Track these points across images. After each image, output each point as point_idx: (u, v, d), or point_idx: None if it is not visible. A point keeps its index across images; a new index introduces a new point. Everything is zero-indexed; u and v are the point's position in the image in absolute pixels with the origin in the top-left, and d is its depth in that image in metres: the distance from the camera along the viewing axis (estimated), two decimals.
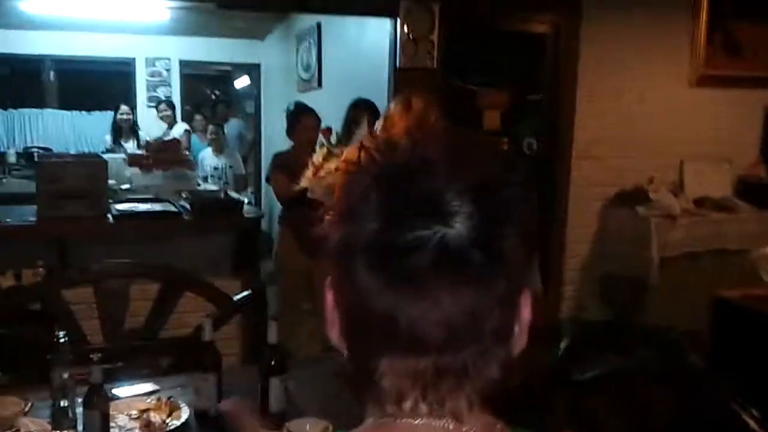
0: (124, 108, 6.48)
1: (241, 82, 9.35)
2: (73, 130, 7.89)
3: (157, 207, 3.89)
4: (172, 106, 6.93)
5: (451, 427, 0.64)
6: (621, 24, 4.78)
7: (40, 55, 7.53)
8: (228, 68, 9.24)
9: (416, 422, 0.64)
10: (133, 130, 6.24)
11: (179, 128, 6.73)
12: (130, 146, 6.01)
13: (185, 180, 4.91)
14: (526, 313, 0.69)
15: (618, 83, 4.85)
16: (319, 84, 5.87)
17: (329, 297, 0.69)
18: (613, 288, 4.86)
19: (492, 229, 0.62)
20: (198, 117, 8.10)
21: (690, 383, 1.98)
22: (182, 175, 4.94)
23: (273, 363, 1.86)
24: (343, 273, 0.65)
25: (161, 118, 6.65)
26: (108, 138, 6.42)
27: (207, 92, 10.43)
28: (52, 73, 7.80)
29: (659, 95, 5.01)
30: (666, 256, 4.60)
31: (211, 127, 7.03)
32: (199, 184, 5.32)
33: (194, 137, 7.50)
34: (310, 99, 5.29)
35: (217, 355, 1.91)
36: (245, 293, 2.90)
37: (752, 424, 1.77)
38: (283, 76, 7.24)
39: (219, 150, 6.70)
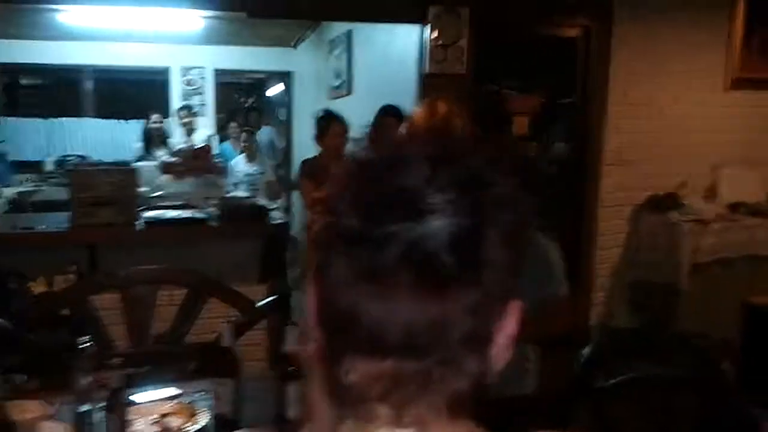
0: (155, 116, 6.53)
1: (274, 89, 9.42)
2: (110, 139, 8.03)
3: (185, 214, 3.96)
4: (192, 113, 6.92)
5: None
6: (654, 27, 4.72)
7: (78, 65, 7.67)
8: (261, 76, 9.32)
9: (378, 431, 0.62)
10: (164, 138, 6.30)
11: (201, 134, 6.76)
12: (161, 154, 6.09)
13: (216, 187, 4.99)
14: (511, 325, 0.65)
15: (651, 87, 4.79)
16: (349, 91, 5.91)
17: (310, 289, 0.68)
18: (644, 294, 4.79)
19: (471, 231, 0.59)
20: (233, 125, 8.18)
21: (714, 392, 1.95)
22: (213, 182, 5.02)
23: (290, 369, 1.87)
24: (319, 265, 0.64)
25: (182, 124, 6.66)
26: (139, 146, 6.51)
27: (240, 100, 10.54)
28: (90, 83, 7.94)
29: (693, 99, 4.94)
30: (698, 262, 4.53)
31: (243, 135, 7.09)
32: (229, 191, 5.40)
33: (227, 144, 7.59)
34: (341, 106, 5.33)
35: (236, 360, 1.93)
36: (269, 299, 2.92)
37: None
38: (314, 83, 7.29)
39: (251, 157, 6.75)
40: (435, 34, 4.11)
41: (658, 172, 4.86)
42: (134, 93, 8.39)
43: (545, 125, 4.70)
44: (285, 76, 8.38)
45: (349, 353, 0.62)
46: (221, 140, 7.70)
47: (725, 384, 1.93)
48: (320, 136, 4.11)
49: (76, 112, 8.06)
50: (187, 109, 6.78)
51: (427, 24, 4.14)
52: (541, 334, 2.68)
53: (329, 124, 4.10)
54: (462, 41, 4.13)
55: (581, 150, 4.70)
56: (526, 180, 0.66)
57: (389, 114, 3.90)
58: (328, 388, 0.66)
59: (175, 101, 7.66)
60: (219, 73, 8.02)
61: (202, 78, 7.84)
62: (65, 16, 6.16)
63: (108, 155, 7.41)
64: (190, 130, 6.56)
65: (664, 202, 4.73)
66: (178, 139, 6.42)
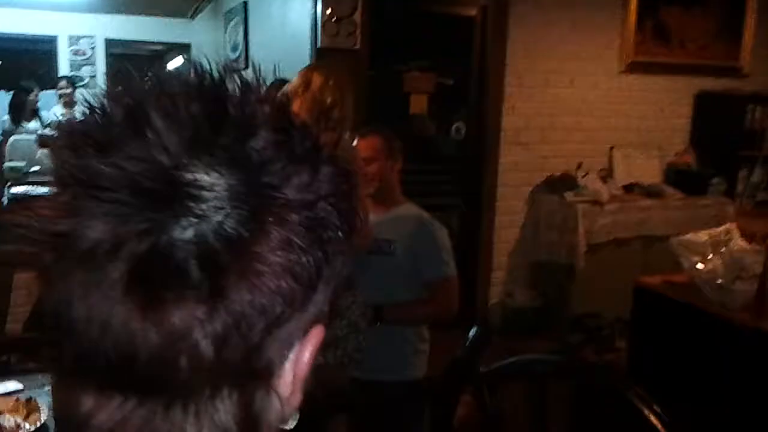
0: (26, 86, 6.05)
1: (175, 63, 9.04)
2: None
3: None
4: (73, 84, 6.46)
5: None
6: (550, 8, 4.70)
7: None
8: (160, 48, 8.91)
9: None
10: (35, 110, 5.87)
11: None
12: (34, 127, 5.67)
13: None
14: (304, 357, 0.51)
15: (548, 68, 4.79)
16: (246, 65, 5.67)
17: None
18: (542, 274, 4.82)
19: (238, 233, 0.44)
20: None
21: (589, 376, 1.90)
22: None
23: None
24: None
25: (59, 96, 6.23)
26: (5, 118, 6.01)
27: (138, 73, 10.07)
28: None
29: (589, 81, 4.97)
30: (593, 243, 4.57)
31: None
32: None
33: None
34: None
35: None
36: None
37: (654, 421, 1.69)
38: (212, 56, 7.00)
39: None
40: (328, 7, 3.94)
41: (555, 153, 4.88)
42: (19, 63, 7.86)
43: (443, 104, 4.62)
44: (183, 49, 8.04)
45: (87, 389, 0.47)
46: None
47: (597, 368, 1.87)
48: None
49: None
50: (67, 80, 6.34)
51: None
52: (430, 316, 2.62)
53: None
54: (356, 15, 3.98)
55: (479, 130, 4.65)
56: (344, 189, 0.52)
57: (278, 89, 3.73)
58: None
59: (64, 72, 7.22)
60: (112, 43, 7.61)
61: (92, 48, 7.42)
62: None
63: None
64: (70, 102, 6.14)
65: (561, 183, 4.75)
66: (59, 111, 6.02)
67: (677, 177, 5.14)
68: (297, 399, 0.53)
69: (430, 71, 4.54)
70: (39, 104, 6.08)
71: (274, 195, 0.46)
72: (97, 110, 0.48)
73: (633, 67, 5.05)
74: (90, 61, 7.42)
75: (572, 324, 4.47)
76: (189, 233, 0.43)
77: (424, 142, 4.61)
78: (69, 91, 6.23)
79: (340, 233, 0.50)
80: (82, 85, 6.85)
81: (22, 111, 5.86)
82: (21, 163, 4.59)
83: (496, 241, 4.81)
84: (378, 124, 3.37)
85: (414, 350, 2.62)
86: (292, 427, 0.54)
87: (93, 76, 7.32)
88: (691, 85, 5.29)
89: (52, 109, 6.19)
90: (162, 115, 0.46)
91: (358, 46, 4.05)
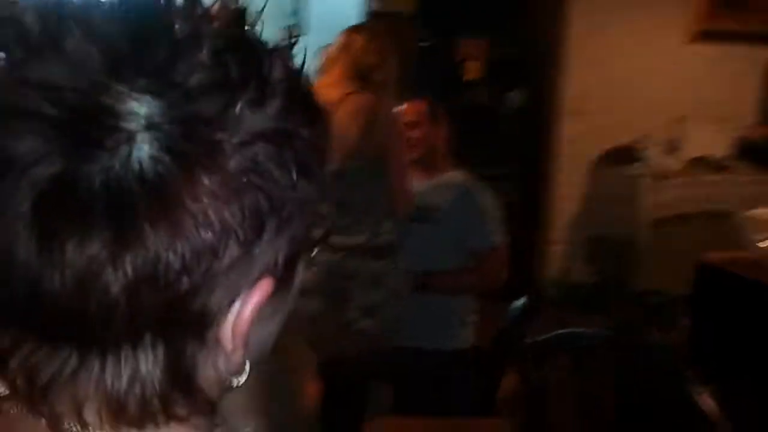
0: None
1: None
2: None
3: None
4: None
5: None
6: None
7: None
8: None
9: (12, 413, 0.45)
10: None
11: None
12: None
13: None
14: (246, 311, 0.46)
15: (611, 34, 4.57)
16: (304, 30, 5.62)
17: None
18: (601, 249, 4.67)
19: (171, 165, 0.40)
20: None
21: (639, 354, 1.79)
22: None
23: None
24: None
25: None
26: None
27: None
28: None
29: (656, 49, 4.73)
30: (656, 217, 4.40)
31: None
32: None
33: None
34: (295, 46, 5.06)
35: None
36: None
37: (706, 404, 1.57)
38: (271, 21, 6.99)
39: None
40: None
41: (619, 124, 4.68)
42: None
43: (500, 72, 4.47)
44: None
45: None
46: None
47: (648, 345, 1.76)
48: None
49: None
50: None
51: None
52: (477, 285, 2.56)
53: None
54: None
55: (537, 99, 4.49)
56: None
57: None
58: None
59: None
60: None
61: None
62: None
63: None
64: None
65: (623, 155, 4.58)
66: None
67: (748, 151, 4.89)
68: (240, 355, 0.47)
69: (486, 37, 4.39)
70: None
71: (205, 130, 0.41)
72: (12, 20, 0.42)
73: (704, 36, 4.78)
74: None
75: (632, 301, 4.31)
76: (100, 167, 0.39)
77: (479, 110, 4.48)
78: None
79: (291, 181, 0.44)
80: None
81: None
82: None
83: (554, 213, 4.67)
84: (425, 91, 3.29)
85: (460, 320, 2.58)
86: (239, 384, 0.50)
87: None
88: (765, 55, 4.99)
89: None
90: (83, 29, 0.41)
91: (410, 10, 3.96)
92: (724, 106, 4.95)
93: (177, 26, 0.42)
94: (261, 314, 0.47)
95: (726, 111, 4.96)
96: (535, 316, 2.32)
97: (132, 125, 0.39)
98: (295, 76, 0.48)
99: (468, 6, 4.21)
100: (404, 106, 2.59)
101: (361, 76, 2.28)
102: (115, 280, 0.40)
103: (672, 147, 4.79)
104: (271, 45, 0.47)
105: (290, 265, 0.48)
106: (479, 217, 2.48)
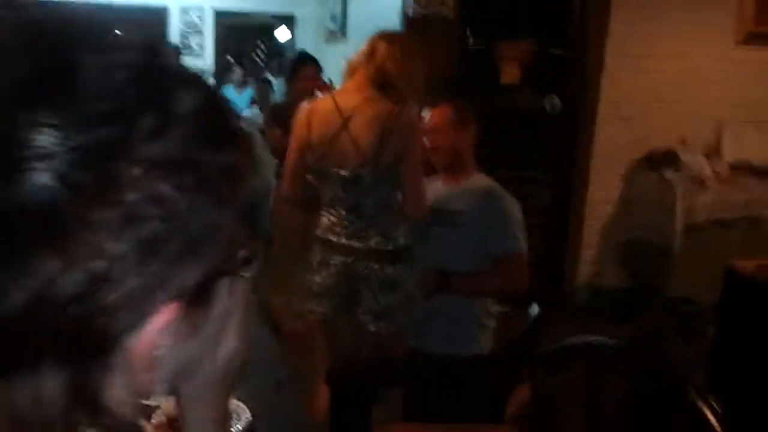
0: None
1: (282, 34, 9.18)
2: None
3: None
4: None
5: None
6: None
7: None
8: (267, 19, 9.09)
9: None
10: None
11: None
12: None
13: None
14: (149, 335, 0.46)
15: (653, 37, 4.52)
16: (344, 35, 5.69)
17: None
18: (635, 254, 4.62)
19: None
20: (237, 70, 8.02)
21: (647, 363, 1.80)
22: None
23: None
24: None
25: None
26: None
27: (249, 44, 10.32)
28: None
29: (700, 52, 4.66)
30: (692, 222, 4.34)
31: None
32: None
33: (231, 89, 7.43)
34: (336, 51, 5.13)
35: None
36: None
37: (709, 415, 1.59)
38: (314, 27, 7.07)
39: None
40: None
41: (658, 128, 4.64)
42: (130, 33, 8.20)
43: (539, 75, 4.46)
44: (288, 20, 8.17)
45: None
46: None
47: (656, 354, 1.77)
48: (290, 79, 3.93)
49: None
50: None
51: None
52: (498, 289, 2.56)
53: (299, 66, 3.91)
54: None
55: (575, 102, 4.47)
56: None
57: (306, 61, 3.80)
58: None
59: (173, 41, 7.49)
60: (220, 14, 7.82)
61: (200, 17, 7.65)
62: None
63: None
64: None
65: (662, 159, 4.52)
66: None
67: None
68: (148, 376, 0.49)
69: (525, 40, 4.39)
70: None
71: (101, 159, 0.41)
72: None
73: (751, 38, 4.69)
74: (198, 31, 7.66)
75: (664, 308, 4.26)
76: None
77: (516, 113, 4.48)
78: None
79: (196, 208, 0.45)
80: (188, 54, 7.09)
81: None
82: None
83: (587, 217, 4.64)
84: (456, 95, 3.32)
85: (480, 325, 2.58)
86: (153, 404, 0.53)
87: (201, 46, 7.57)
88: None
89: None
90: None
91: (450, 15, 3.97)
92: (765, 110, 4.86)
93: (82, 57, 0.43)
94: (175, 336, 0.48)
95: (766, 114, 4.87)
96: (552, 323, 2.33)
97: (29, 154, 0.40)
98: (208, 104, 0.48)
99: (510, 10, 4.21)
100: (429, 113, 2.62)
101: (382, 83, 2.32)
102: (8, 306, 0.40)
103: (712, 151, 4.73)
104: (185, 74, 0.48)
105: (204, 288, 0.49)
106: (502, 223, 2.48)
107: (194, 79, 0.49)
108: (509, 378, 2.37)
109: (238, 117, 0.52)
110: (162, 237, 0.44)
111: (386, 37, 2.42)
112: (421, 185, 2.31)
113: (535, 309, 2.33)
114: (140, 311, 0.45)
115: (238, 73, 7.93)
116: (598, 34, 4.37)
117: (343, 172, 2.31)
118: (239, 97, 7.21)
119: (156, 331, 0.47)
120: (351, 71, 2.41)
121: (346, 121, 2.30)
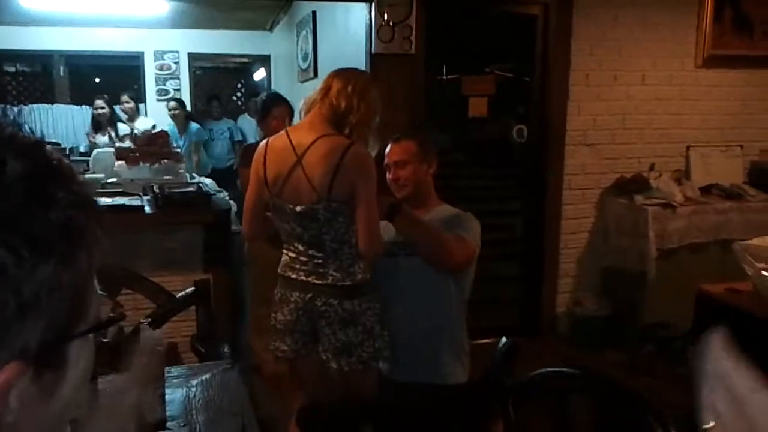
0: (98, 102, 6.13)
1: (259, 74, 9.26)
2: (83, 125, 7.89)
3: (119, 201, 3.81)
4: (135, 99, 6.64)
5: None
6: (617, 1, 4.52)
7: (49, 51, 7.56)
8: (242, 60, 9.17)
9: None
10: (111, 121, 6.05)
11: (142, 122, 6.32)
12: (104, 140, 5.88)
13: (174, 173, 4.84)
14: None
15: (616, 64, 4.60)
16: (315, 74, 5.74)
17: None
18: (612, 281, 4.64)
19: None
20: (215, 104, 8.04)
21: (609, 394, 1.81)
22: (171, 169, 4.86)
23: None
24: None
25: (123, 111, 6.41)
26: (88, 131, 6.24)
27: (222, 85, 10.38)
28: (62, 69, 7.81)
29: (662, 77, 4.74)
30: (666, 248, 4.37)
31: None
32: (193, 177, 5.27)
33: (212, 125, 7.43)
34: (308, 89, 5.16)
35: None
36: (189, 290, 2.80)
37: None
38: (288, 67, 7.15)
39: None
40: (383, 12, 3.94)
41: (626, 154, 4.70)
42: (108, 78, 8.26)
43: (505, 107, 4.52)
44: (263, 60, 8.25)
45: None
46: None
47: (622, 387, 1.78)
48: (262, 119, 3.95)
49: (50, 98, 7.92)
50: (129, 96, 6.50)
51: (373, 2, 3.96)
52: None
53: (270, 106, 3.94)
54: (411, 20, 3.96)
55: (543, 132, 4.52)
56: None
57: (274, 103, 3.85)
58: None
59: (150, 86, 7.55)
60: (195, 57, 7.89)
61: (176, 62, 7.71)
62: (27, 1, 6.04)
63: (80, 141, 7.28)
64: (133, 116, 6.33)
65: (632, 186, 4.56)
66: (144, 124, 6.25)
67: (761, 177, 4.85)
68: None
69: (490, 73, 4.46)
70: (114, 117, 6.21)
71: None
72: None
73: (711, 61, 4.78)
74: (174, 75, 7.71)
75: (643, 334, 4.27)
76: None
77: (485, 145, 4.52)
78: (131, 105, 6.36)
79: (26, 267, 0.45)
80: (166, 99, 7.11)
81: (97, 125, 6.10)
82: (100, 175, 4.80)
83: (562, 246, 4.66)
84: (415, 129, 3.35)
85: (453, 358, 2.58)
86: None
87: (177, 90, 7.61)
88: None
89: (137, 120, 6.42)
90: None
91: (413, 51, 4.02)
92: (735, 132, 4.93)
93: None
94: (24, 397, 0.47)
95: (737, 137, 4.93)
96: (515, 357, 2.33)
97: None
98: (39, 170, 0.48)
99: (470, 43, 4.28)
100: (393, 146, 2.65)
101: (336, 120, 2.34)
102: None
103: (681, 175, 4.78)
104: (18, 144, 0.49)
105: (51, 349, 0.48)
106: (459, 227, 2.50)
107: (28, 147, 0.49)
108: (481, 410, 2.37)
109: (80, 181, 0.52)
110: None
111: (339, 74, 2.44)
112: (374, 223, 2.30)
113: (503, 341, 2.32)
114: None
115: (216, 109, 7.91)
116: (561, 63, 4.44)
117: (298, 209, 2.31)
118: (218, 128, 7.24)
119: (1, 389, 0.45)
120: (307, 108, 2.43)
121: (300, 158, 2.32)
